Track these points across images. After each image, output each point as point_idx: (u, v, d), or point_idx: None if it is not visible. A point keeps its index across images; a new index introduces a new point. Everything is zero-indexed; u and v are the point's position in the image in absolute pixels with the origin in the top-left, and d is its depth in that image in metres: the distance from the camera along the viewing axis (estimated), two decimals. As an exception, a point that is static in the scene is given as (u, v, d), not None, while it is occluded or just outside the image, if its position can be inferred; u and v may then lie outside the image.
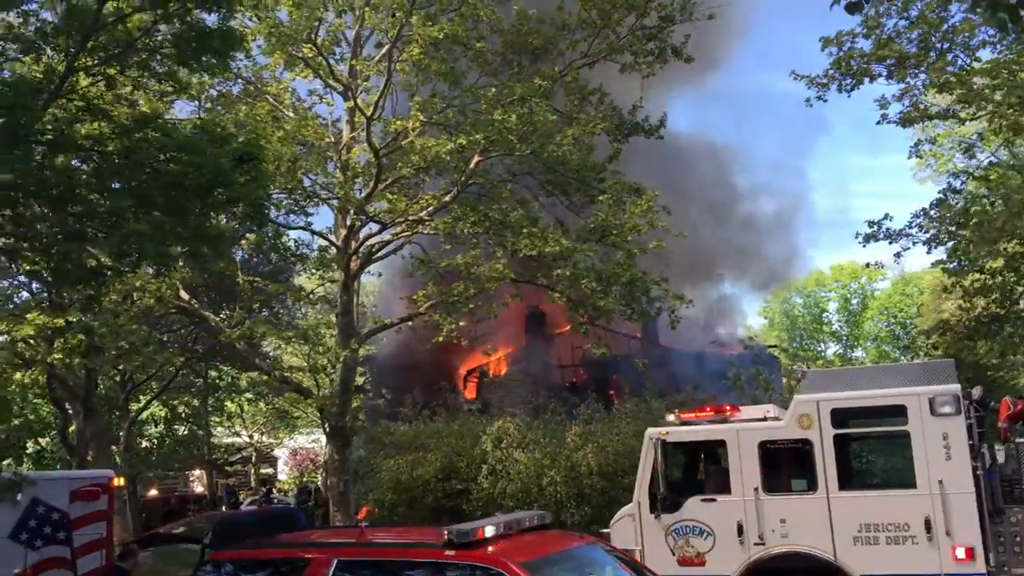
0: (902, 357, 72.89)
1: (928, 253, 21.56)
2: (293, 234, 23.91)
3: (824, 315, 74.70)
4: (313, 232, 20.34)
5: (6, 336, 21.56)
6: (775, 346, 47.18)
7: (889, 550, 10.91)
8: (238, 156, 9.89)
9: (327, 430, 49.14)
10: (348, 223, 19.65)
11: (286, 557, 9.45)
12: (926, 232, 19.12)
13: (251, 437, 55.94)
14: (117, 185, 9.85)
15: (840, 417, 11.39)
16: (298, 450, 63.19)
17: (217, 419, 47.96)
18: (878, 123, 17.69)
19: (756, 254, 54.89)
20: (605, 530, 12.68)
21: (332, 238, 20.28)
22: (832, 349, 74.34)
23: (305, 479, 61.36)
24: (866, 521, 11.06)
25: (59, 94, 9.86)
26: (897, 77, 16.86)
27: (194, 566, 9.91)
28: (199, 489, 44.43)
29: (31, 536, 12.95)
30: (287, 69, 19.17)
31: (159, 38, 11.07)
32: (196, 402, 46.40)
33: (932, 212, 19.20)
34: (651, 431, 12.46)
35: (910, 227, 19.12)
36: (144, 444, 42.02)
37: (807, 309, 74.31)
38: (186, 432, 47.52)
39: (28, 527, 12.96)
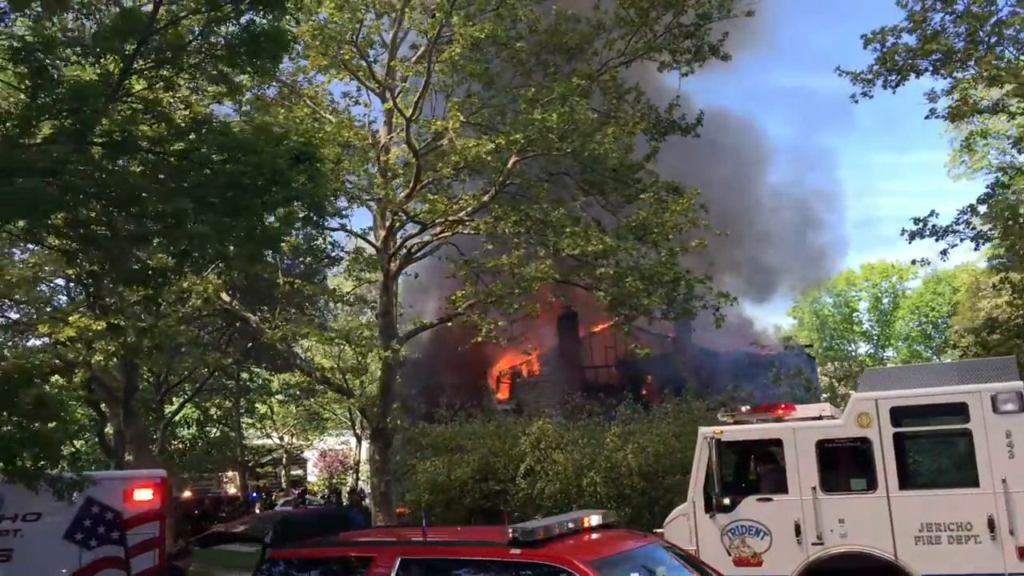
0: (934, 357, 72.37)
1: (975, 250, 21.38)
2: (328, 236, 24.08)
3: (855, 315, 74.18)
4: (352, 233, 20.33)
5: (47, 339, 21.76)
6: (810, 346, 46.85)
7: (951, 549, 10.77)
8: (295, 155, 9.88)
9: (356, 432, 49.42)
10: (387, 224, 19.64)
11: (348, 556, 9.43)
12: (973, 229, 18.87)
13: (282, 439, 56.26)
14: (170, 186, 9.83)
15: (899, 415, 11.25)
16: (327, 452, 63.48)
17: (249, 421, 48.25)
18: (927, 118, 17.50)
19: (786, 254, 54.65)
20: (658, 530, 12.57)
21: (371, 239, 20.27)
22: (863, 349, 73.87)
23: (334, 480, 61.63)
24: (927, 520, 10.91)
25: (116, 97, 9.88)
26: (946, 71, 16.65)
27: (254, 565, 9.94)
28: (232, 491, 44.68)
29: (86, 536, 13.02)
30: (321, 72, 19.19)
31: (212, 40, 11.09)
32: (228, 403, 46.75)
33: (980, 208, 18.96)
34: (705, 430, 12.35)
35: (957, 223, 18.92)
36: (177, 446, 42.38)
37: (837, 309, 73.79)
38: (218, 434, 47.91)
39: (83, 527, 13.04)
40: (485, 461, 24.36)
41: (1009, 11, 15.99)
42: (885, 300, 74.42)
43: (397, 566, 8.84)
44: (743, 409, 12.78)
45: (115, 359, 22.80)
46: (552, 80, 19.80)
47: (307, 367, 21.49)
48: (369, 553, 9.20)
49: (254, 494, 46.56)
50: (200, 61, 10.96)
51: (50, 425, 11.56)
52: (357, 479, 51.34)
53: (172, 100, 11.11)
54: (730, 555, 11.75)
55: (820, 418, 12.18)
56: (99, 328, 19.75)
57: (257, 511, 43.02)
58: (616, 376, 35.55)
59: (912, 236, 18.68)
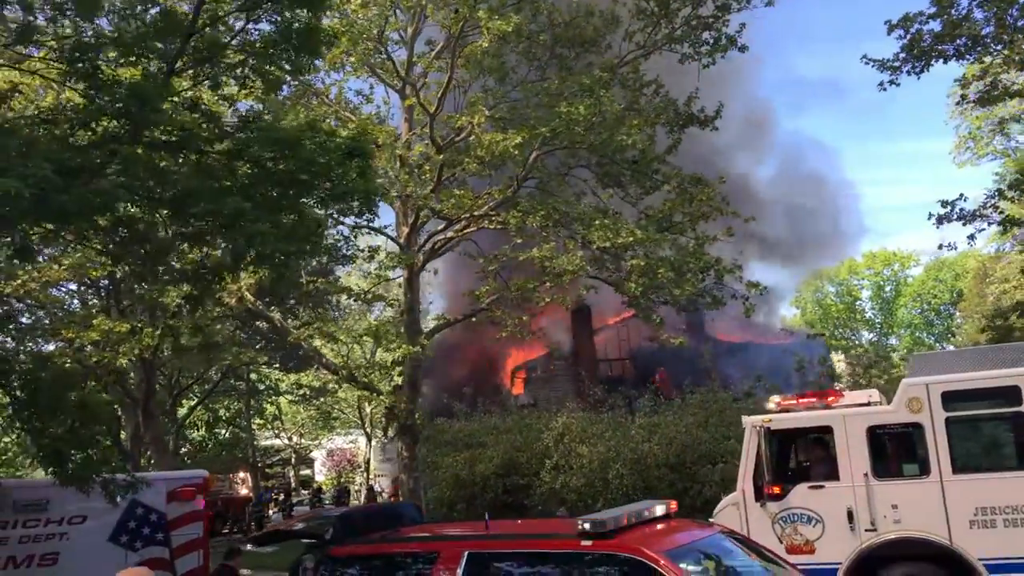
0: (937, 344, 72.58)
1: (1003, 234, 21.31)
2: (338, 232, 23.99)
3: (857, 303, 74.28)
4: (375, 230, 20.27)
5: (63, 343, 21.67)
6: (822, 334, 46.85)
7: (1007, 532, 10.75)
8: (347, 151, 9.84)
9: (367, 431, 49.35)
10: (410, 220, 19.61)
11: (413, 551, 9.38)
12: (1002, 213, 18.81)
13: (290, 439, 56.22)
14: (224, 184, 9.77)
15: (951, 400, 11.23)
16: (335, 451, 63.44)
17: (260, 422, 48.28)
18: (957, 103, 17.48)
19: (792, 242, 54.68)
20: (710, 519, 12.54)
21: (394, 236, 20.25)
22: (866, 337, 73.98)
23: (343, 480, 61.58)
24: (982, 504, 10.89)
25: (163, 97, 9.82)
26: (975, 56, 16.57)
27: (316, 562, 9.93)
28: (244, 492, 44.52)
29: (131, 538, 13.02)
30: (337, 69, 19.16)
31: (249, 38, 11.03)
32: (236, 405, 46.74)
33: (1010, 193, 18.91)
34: (754, 419, 12.30)
35: (984, 207, 18.88)
36: (186, 448, 42.37)
37: (840, 297, 73.87)
38: (228, 435, 47.90)
39: (128, 529, 13.03)
40: (508, 456, 24.34)
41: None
42: (887, 288, 74.55)
43: (465, 561, 8.81)
44: (791, 397, 12.73)
45: (134, 361, 22.84)
46: (567, 74, 19.82)
47: (332, 365, 21.42)
48: (434, 548, 9.16)
49: (263, 495, 46.50)
50: (241, 60, 10.92)
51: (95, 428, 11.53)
52: (368, 477, 51.33)
53: (216, 99, 11.03)
54: (782, 543, 11.71)
55: (868, 404, 12.16)
56: (122, 331, 19.73)
57: (271, 511, 43.06)
58: (630, 369, 35.58)
59: (940, 220, 18.64)
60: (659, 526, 8.95)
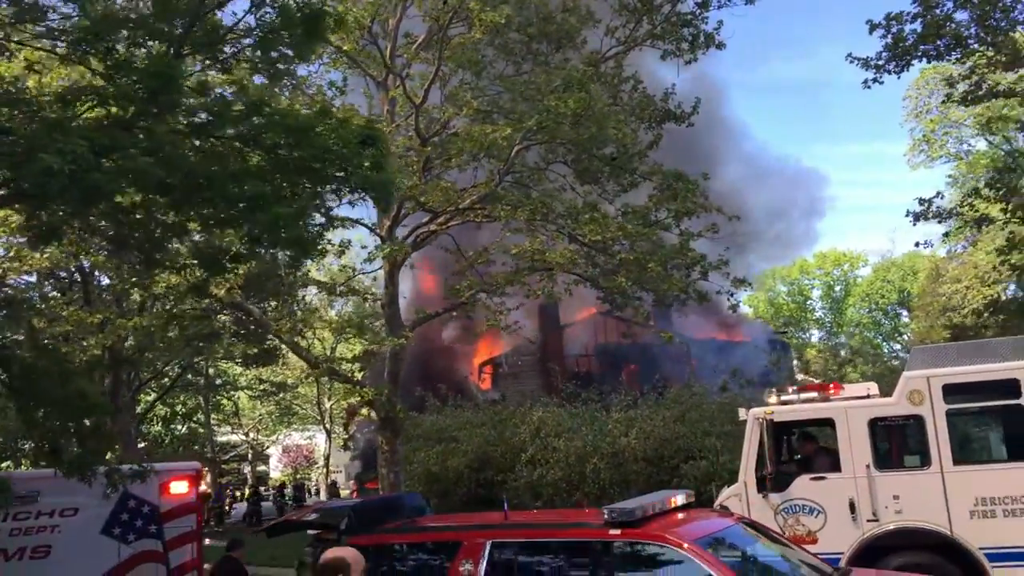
0: (884, 343, 74.09)
1: (979, 233, 21.74)
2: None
3: (808, 302, 75.46)
4: (355, 222, 20.08)
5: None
6: (784, 332, 47.56)
7: (1006, 523, 10.98)
8: (362, 139, 9.72)
9: (326, 426, 48.84)
10: (392, 213, 19.47)
11: (434, 541, 9.34)
12: (976, 211, 19.20)
13: (247, 435, 55.60)
14: (239, 170, 9.58)
15: (952, 392, 11.44)
16: (290, 447, 62.92)
17: (220, 417, 47.72)
18: (943, 102, 17.78)
19: (749, 240, 55.28)
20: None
21: (373, 228, 20.07)
22: (816, 336, 75.22)
23: (299, 476, 61.08)
24: (982, 495, 11.12)
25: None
26: (960, 58, 16.87)
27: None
28: (202, 487, 43.94)
29: (123, 530, 12.74)
30: (307, 61, 18.93)
31: (251, 24, 10.84)
32: (192, 401, 46.10)
33: (985, 192, 19.29)
34: (756, 411, 12.42)
35: (961, 206, 19.24)
36: (143, 444, 41.67)
37: (791, 297, 74.96)
38: (185, 430, 47.24)
39: (120, 521, 12.76)
40: (482, 451, 24.29)
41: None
42: (837, 288, 75.82)
43: (488, 550, 8.78)
44: (790, 389, 12.87)
45: (103, 353, 22.41)
46: (545, 69, 19.85)
47: (312, 359, 21.19)
48: (456, 538, 9.12)
49: (221, 490, 45.94)
50: (250, 46, 10.72)
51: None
52: (326, 473, 50.97)
53: (224, 83, 10.83)
54: (784, 534, 11.83)
55: (868, 397, 12.34)
56: (94, 322, 19.34)
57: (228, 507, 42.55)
58: (596, 365, 35.73)
59: (916, 218, 18.98)
60: (680, 515, 9.02)
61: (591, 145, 19.07)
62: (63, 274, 25.00)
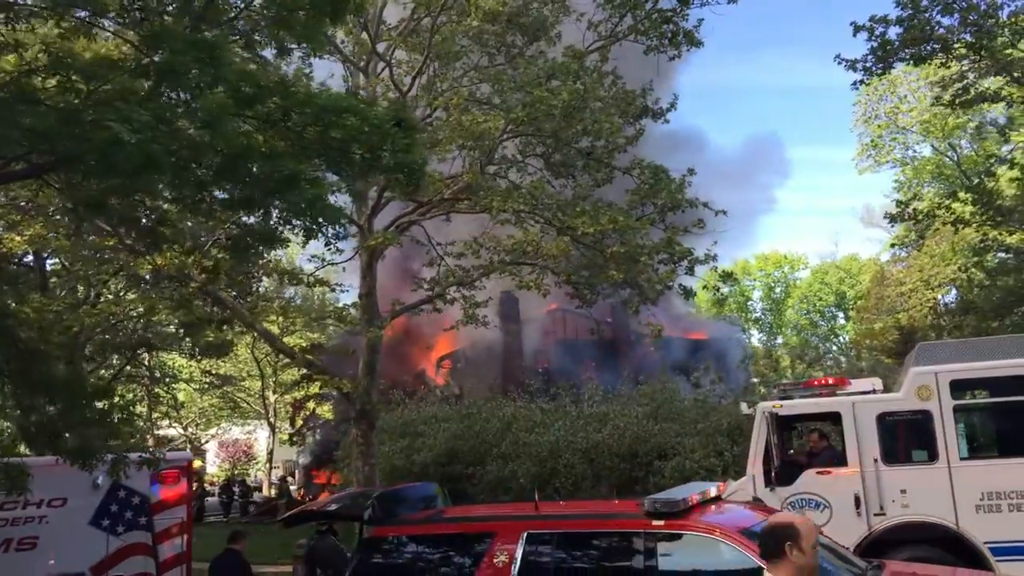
0: (819, 344, 75.46)
1: (955, 233, 22.17)
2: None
3: (748, 303, 76.52)
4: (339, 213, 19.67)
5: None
6: (745, 328, 48.12)
7: (1012, 517, 11.18)
8: (395, 120, 9.48)
9: (271, 421, 48.08)
10: (371, 203, 19.17)
11: (465, 531, 9.14)
12: (953, 213, 19.53)
13: (186, 429, 54.41)
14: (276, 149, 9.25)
15: (959, 388, 11.61)
16: (227, 443, 61.70)
17: (160, 411, 46.55)
18: (932, 104, 18.08)
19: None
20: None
21: (355, 219, 19.71)
22: (756, 337, 76.27)
23: (236, 471, 59.95)
24: (988, 489, 11.30)
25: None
26: (945, 62, 17.15)
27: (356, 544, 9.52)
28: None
29: (113, 522, 12.32)
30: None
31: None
32: (131, 394, 44.87)
33: (963, 195, 19.65)
34: (763, 405, 12.46)
35: (938, 208, 19.58)
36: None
37: (732, 297, 75.83)
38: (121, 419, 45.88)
39: (109, 512, 12.33)
40: (450, 445, 24.11)
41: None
42: (777, 289, 77.05)
43: (523, 541, 8.62)
44: (795, 384, 12.94)
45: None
46: (522, 61, 19.73)
47: (287, 349, 20.74)
48: (489, 528, 8.94)
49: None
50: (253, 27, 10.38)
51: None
52: (269, 469, 50.17)
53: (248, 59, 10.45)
54: (791, 527, 11.87)
55: (873, 392, 12.46)
56: (59, 308, 18.68)
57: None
58: (556, 359, 35.67)
59: (893, 219, 19.25)
60: (715, 507, 8.97)
61: (572, 138, 18.98)
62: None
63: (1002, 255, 22.74)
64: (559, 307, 35.69)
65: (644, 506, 8.37)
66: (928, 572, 9.35)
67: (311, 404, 46.12)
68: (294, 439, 45.58)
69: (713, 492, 9.15)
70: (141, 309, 24.49)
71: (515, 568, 8.44)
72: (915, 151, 46.32)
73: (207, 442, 59.15)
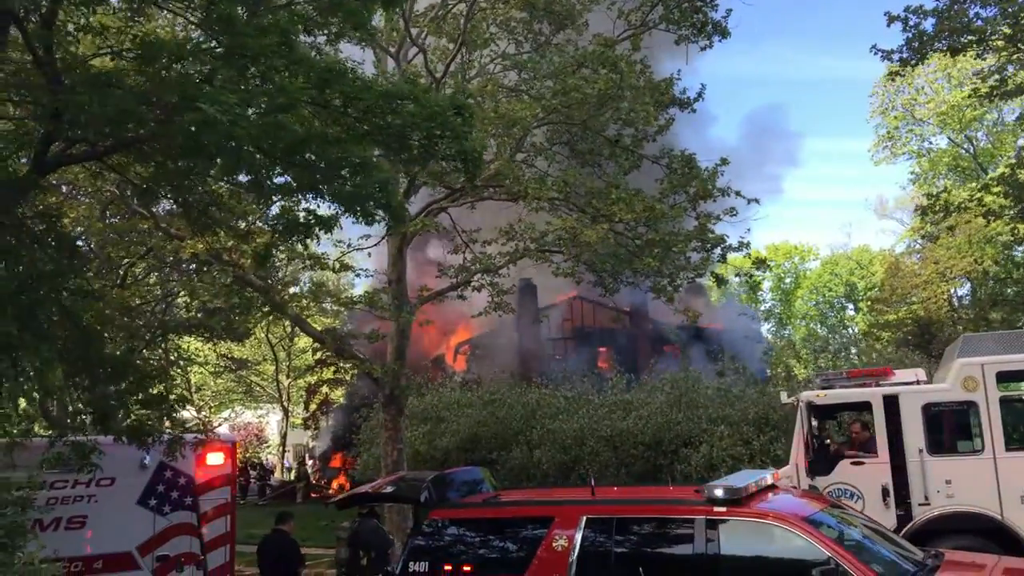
0: (829, 335, 75.38)
1: (986, 226, 22.17)
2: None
3: (759, 294, 76.40)
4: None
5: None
6: (762, 322, 48.18)
7: (1056, 509, 11.23)
8: (456, 107, 9.49)
9: (284, 405, 48.17)
10: (403, 188, 19.18)
11: (522, 515, 9.20)
12: (984, 207, 19.54)
13: (199, 411, 54.60)
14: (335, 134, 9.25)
15: (1005, 379, 11.65)
16: (238, 426, 61.87)
17: (177, 392, 46.64)
18: (968, 96, 18.05)
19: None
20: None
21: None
22: (766, 327, 76.19)
23: (248, 455, 60.17)
24: (1033, 481, 11.35)
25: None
26: (979, 52, 17.12)
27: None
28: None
29: (159, 502, 12.40)
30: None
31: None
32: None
33: (996, 188, 19.62)
34: (807, 394, 12.51)
35: (970, 201, 19.58)
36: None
37: (742, 288, 75.68)
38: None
39: (156, 492, 12.41)
40: (473, 431, 24.19)
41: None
42: (787, 280, 76.96)
43: (583, 525, 8.68)
44: (839, 374, 12.98)
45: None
46: (558, 48, 19.72)
47: (316, 334, 20.76)
48: (548, 513, 9.00)
49: None
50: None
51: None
52: (282, 453, 50.36)
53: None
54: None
55: (918, 382, 12.50)
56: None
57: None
58: (574, 348, 35.79)
59: (924, 212, 19.26)
60: (772, 495, 9.01)
61: (602, 126, 19.00)
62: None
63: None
64: (576, 295, 35.80)
65: (705, 493, 8.42)
66: (981, 561, 9.38)
67: (325, 389, 46.31)
68: (308, 423, 45.72)
69: (769, 480, 9.19)
70: (159, 292, 24.69)
71: (574, 553, 8.51)
72: (931, 143, 46.30)
73: (219, 425, 59.26)
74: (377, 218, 9.30)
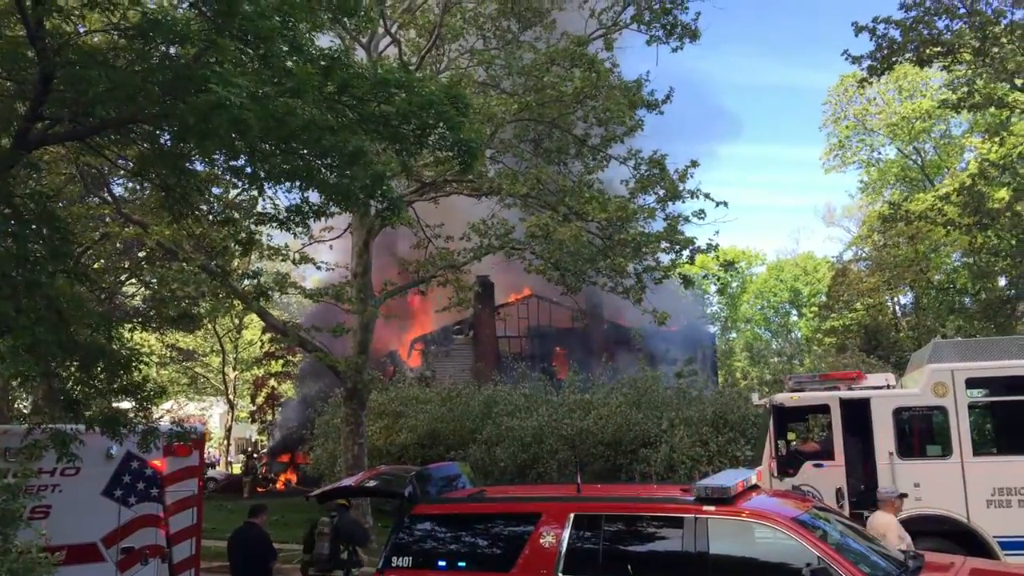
0: (773, 340, 76.48)
1: (946, 235, 22.58)
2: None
3: (705, 297, 77.10)
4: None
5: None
6: (713, 322, 48.58)
7: (1021, 512, 11.48)
8: (452, 97, 9.41)
9: (230, 398, 47.48)
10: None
11: (509, 511, 9.14)
12: (944, 216, 19.94)
13: (140, 403, 53.62)
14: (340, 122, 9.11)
15: (975, 386, 11.89)
16: (182, 419, 60.81)
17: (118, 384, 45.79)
18: (939, 107, 18.39)
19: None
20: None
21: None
22: (712, 330, 76.87)
23: (191, 447, 59.06)
24: (999, 485, 11.61)
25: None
26: (949, 64, 17.47)
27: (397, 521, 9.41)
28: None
29: (125, 493, 12.08)
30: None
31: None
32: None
33: (955, 198, 20.04)
34: (780, 397, 12.64)
35: (930, 211, 19.96)
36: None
37: (691, 291, 76.36)
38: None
39: (122, 483, 12.09)
40: (431, 428, 24.07)
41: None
42: (734, 284, 77.81)
43: (570, 523, 8.64)
44: (811, 377, 13.14)
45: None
46: (530, 45, 19.76)
47: (279, 325, 20.50)
48: (535, 509, 8.94)
49: None
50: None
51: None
52: (228, 445, 49.66)
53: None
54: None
55: (888, 387, 12.70)
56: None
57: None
58: (527, 347, 35.77)
59: (885, 220, 19.60)
60: (757, 495, 9.06)
61: (570, 125, 19.04)
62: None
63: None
64: (532, 293, 35.83)
65: (695, 491, 8.43)
66: (950, 561, 9.54)
67: (272, 382, 45.76)
68: (254, 417, 45.13)
69: (754, 480, 9.25)
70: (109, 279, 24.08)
71: (561, 549, 8.47)
72: (880, 153, 47.22)
73: (160, 417, 58.16)
74: (374, 207, 9.16)
